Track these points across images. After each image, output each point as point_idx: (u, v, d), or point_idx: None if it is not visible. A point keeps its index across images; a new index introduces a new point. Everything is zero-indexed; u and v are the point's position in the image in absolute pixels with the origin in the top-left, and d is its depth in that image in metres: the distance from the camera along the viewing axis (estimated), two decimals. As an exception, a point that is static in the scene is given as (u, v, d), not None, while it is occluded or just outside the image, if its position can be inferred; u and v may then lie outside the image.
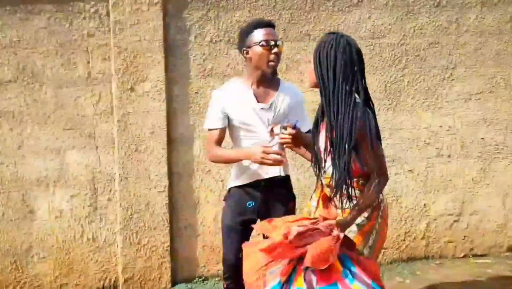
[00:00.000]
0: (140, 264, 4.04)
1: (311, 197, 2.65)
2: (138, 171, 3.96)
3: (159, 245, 4.05)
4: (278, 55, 2.70)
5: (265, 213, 2.80)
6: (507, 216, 4.47)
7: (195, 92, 4.05)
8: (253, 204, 2.86)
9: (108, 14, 3.85)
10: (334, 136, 2.28)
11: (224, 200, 3.01)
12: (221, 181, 4.14)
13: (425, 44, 4.25)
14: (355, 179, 2.35)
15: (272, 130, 2.70)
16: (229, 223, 2.92)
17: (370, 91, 2.47)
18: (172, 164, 4.07)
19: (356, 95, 2.32)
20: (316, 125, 2.48)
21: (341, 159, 2.26)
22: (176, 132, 4.06)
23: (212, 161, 3.06)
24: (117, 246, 4.04)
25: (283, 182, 2.91)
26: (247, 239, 2.87)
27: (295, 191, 3.01)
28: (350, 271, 2.27)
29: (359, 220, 2.41)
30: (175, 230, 4.13)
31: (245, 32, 2.74)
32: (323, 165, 2.41)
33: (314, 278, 2.25)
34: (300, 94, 2.93)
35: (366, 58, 4.08)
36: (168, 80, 3.96)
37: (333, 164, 2.30)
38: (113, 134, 3.95)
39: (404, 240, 4.42)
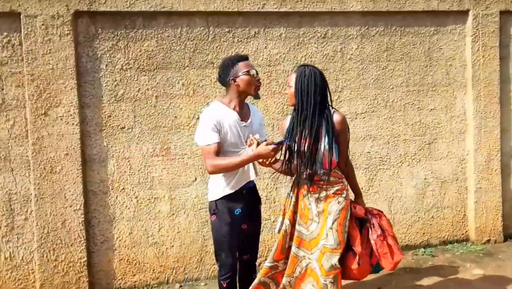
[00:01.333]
0: (58, 280, 4.02)
1: (289, 195, 3.19)
2: (54, 190, 3.99)
3: (76, 261, 4.06)
4: (259, 81, 3.20)
5: (248, 217, 3.22)
6: (393, 218, 4.85)
7: (108, 116, 4.15)
8: (240, 210, 3.18)
9: (21, 44, 3.91)
10: (320, 140, 3.02)
11: (213, 213, 3.20)
12: (136, 198, 4.24)
13: (315, 71, 4.61)
14: (333, 169, 3.09)
15: (250, 140, 3.11)
16: (224, 232, 3.17)
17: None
18: (88, 183, 4.12)
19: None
20: (295, 134, 3.07)
21: (330, 155, 3.01)
22: (90, 153, 4.12)
23: (213, 172, 3.11)
24: (35, 263, 4.01)
25: (254, 187, 3.33)
26: (240, 242, 3.21)
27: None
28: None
29: (340, 199, 3.10)
30: (92, 246, 4.17)
31: (231, 64, 3.14)
32: (308, 164, 3.03)
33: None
34: (261, 114, 3.46)
35: (264, 83, 4.45)
36: (81, 104, 4.05)
37: (317, 160, 3.02)
38: (28, 157, 3.97)
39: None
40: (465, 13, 4.92)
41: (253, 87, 3.15)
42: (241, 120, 3.17)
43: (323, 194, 3.09)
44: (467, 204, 5.07)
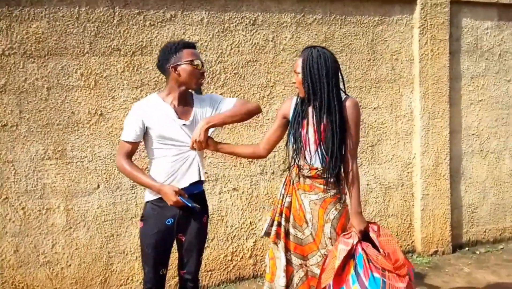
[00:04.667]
0: None
1: (281, 193, 2.50)
2: None
3: None
4: (204, 74, 2.49)
5: (182, 229, 2.47)
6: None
7: (-15, 111, 3.08)
8: (172, 221, 2.43)
9: None
10: (330, 130, 2.33)
11: (141, 219, 2.50)
12: (22, 209, 3.15)
13: (243, 62, 3.59)
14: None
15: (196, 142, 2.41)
16: (148, 243, 2.44)
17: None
18: (-40, 192, 3.03)
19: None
20: (298, 123, 2.41)
21: (335, 148, 2.33)
22: (-36, 155, 3.03)
23: (120, 171, 2.50)
24: None
25: (199, 194, 2.50)
26: (169, 255, 2.49)
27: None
28: (356, 272, 2.26)
29: (338, 206, 2.41)
30: (-33, 267, 3.08)
31: (173, 50, 2.40)
32: (308, 157, 2.37)
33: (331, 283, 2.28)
34: (208, 96, 2.61)
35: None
36: None
37: (327, 153, 2.34)
38: None
39: (231, 260, 3.66)
40: (412, 2, 3.95)
41: (195, 80, 2.42)
42: (180, 118, 2.40)
43: (320, 196, 2.39)
44: (413, 212, 4.13)
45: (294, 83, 2.44)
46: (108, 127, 3.28)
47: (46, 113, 3.16)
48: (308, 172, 2.40)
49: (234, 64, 3.54)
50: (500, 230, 4.42)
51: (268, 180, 3.68)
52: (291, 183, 2.48)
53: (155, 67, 3.29)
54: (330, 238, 2.37)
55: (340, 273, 2.28)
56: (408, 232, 4.12)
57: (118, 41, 3.26)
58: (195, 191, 2.46)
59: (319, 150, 2.36)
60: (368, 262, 2.27)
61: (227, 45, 3.51)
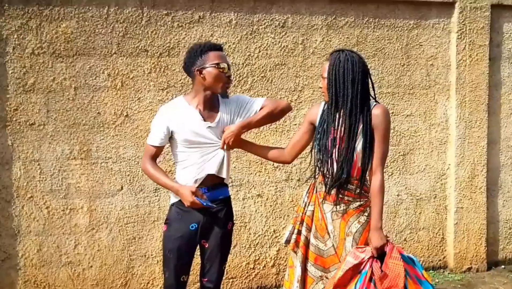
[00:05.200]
0: None
1: (304, 201, 2.38)
2: None
3: (-32, 282, 2.99)
4: (230, 78, 2.40)
5: (205, 235, 2.40)
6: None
7: (14, 109, 3.04)
8: (196, 226, 2.35)
9: None
10: (356, 140, 2.22)
11: (165, 222, 2.43)
12: (47, 208, 3.14)
13: (271, 65, 3.48)
14: (361, 178, 2.26)
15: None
16: (171, 248, 2.37)
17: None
18: (-14, 189, 3.04)
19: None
20: (323, 130, 2.29)
21: (364, 159, 2.22)
22: (-10, 153, 3.04)
23: (144, 173, 2.50)
24: None
25: (225, 202, 2.44)
26: (191, 261, 2.42)
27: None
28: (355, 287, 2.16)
29: (362, 219, 2.27)
30: (-10, 264, 3.08)
31: (199, 52, 2.33)
32: (332, 166, 2.26)
33: None
34: (235, 97, 2.52)
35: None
36: (-23, 94, 2.97)
37: (344, 162, 2.22)
38: None
39: (253, 268, 3.54)
40: (450, 5, 3.75)
41: (221, 84, 2.33)
42: (205, 120, 2.32)
43: (342, 207, 2.26)
44: (446, 226, 3.90)
45: (321, 88, 2.32)
46: (134, 128, 3.23)
47: (73, 113, 3.14)
48: (339, 183, 2.26)
49: (262, 67, 3.44)
50: (540, 248, 4.14)
51: (293, 187, 3.55)
52: (315, 191, 2.36)
53: (182, 69, 3.25)
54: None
55: (343, 286, 2.16)
56: (440, 246, 3.90)
57: (146, 42, 3.22)
58: (220, 196, 2.38)
59: (335, 158, 2.23)
60: (370, 280, 2.13)
61: (255, 48, 3.41)
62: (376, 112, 2.23)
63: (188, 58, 2.36)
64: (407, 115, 3.75)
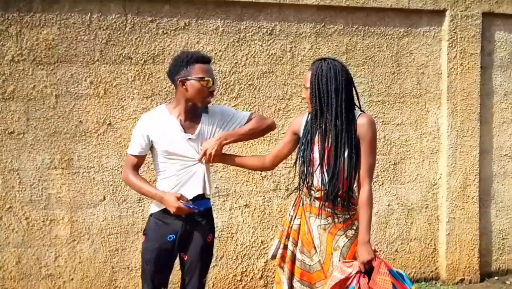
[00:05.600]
0: None
1: (290, 214, 2.30)
2: None
3: None
4: (213, 93, 2.32)
5: (184, 247, 2.31)
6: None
7: (-7, 117, 2.99)
8: (174, 237, 2.28)
9: None
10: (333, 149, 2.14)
11: (143, 232, 2.35)
12: (26, 219, 3.03)
13: (259, 73, 3.40)
14: (347, 191, 2.16)
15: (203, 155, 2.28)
16: (148, 259, 2.29)
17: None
18: (-36, 199, 2.94)
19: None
20: (307, 141, 2.21)
21: (350, 171, 2.14)
22: (-31, 162, 2.94)
23: (126, 184, 2.45)
24: None
25: (205, 214, 2.34)
26: (170, 273, 2.34)
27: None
28: None
29: (350, 233, 2.18)
30: (-33, 277, 2.97)
31: (185, 62, 2.25)
32: (316, 178, 2.18)
33: None
34: (218, 108, 2.45)
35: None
36: (-46, 102, 2.87)
37: (328, 174, 2.14)
38: None
39: (240, 280, 3.43)
40: (441, 13, 3.68)
41: (202, 98, 2.26)
42: (186, 132, 2.25)
43: (328, 221, 2.17)
44: (438, 236, 3.80)
45: (304, 98, 2.23)
46: (117, 137, 3.14)
47: (54, 121, 3.04)
48: (316, 193, 2.18)
49: (249, 75, 3.36)
50: (534, 259, 4.05)
51: (282, 197, 3.46)
52: (301, 204, 2.26)
53: (167, 76, 3.17)
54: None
55: None
56: (432, 257, 3.80)
57: (130, 49, 3.13)
58: (201, 208, 2.28)
59: (324, 171, 2.14)
60: None
61: (243, 55, 3.33)
62: (361, 121, 2.14)
63: (173, 66, 2.30)
64: (398, 124, 3.67)
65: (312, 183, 2.19)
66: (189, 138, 2.25)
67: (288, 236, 2.27)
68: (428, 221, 3.78)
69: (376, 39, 3.58)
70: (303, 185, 2.24)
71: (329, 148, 2.15)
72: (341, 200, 2.15)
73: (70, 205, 3.09)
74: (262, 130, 2.38)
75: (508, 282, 3.87)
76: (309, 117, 2.23)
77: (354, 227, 2.18)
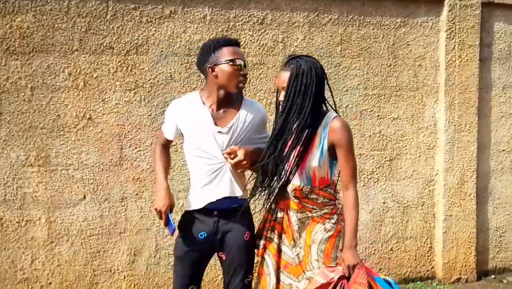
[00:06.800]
0: None
1: (271, 208, 2.19)
2: None
3: None
4: (246, 76, 2.15)
5: (221, 246, 2.19)
6: (344, 250, 3.44)
7: (-38, 111, 2.75)
8: (205, 234, 2.16)
9: None
10: (311, 151, 2.05)
11: (177, 227, 2.21)
12: (0, 220, 2.81)
13: (249, 65, 3.19)
14: (324, 188, 2.10)
15: (228, 154, 2.11)
16: (178, 255, 2.21)
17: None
18: None
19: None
20: (281, 139, 2.07)
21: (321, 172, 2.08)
22: None
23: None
24: None
25: (238, 209, 2.17)
26: (201, 272, 2.24)
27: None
28: None
29: (328, 225, 2.11)
30: None
31: (212, 48, 2.10)
32: (291, 177, 2.08)
33: None
34: (262, 112, 2.26)
35: (181, 76, 3.04)
36: None
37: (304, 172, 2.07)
38: None
39: (230, 282, 3.26)
40: (439, 2, 3.48)
41: (235, 83, 2.10)
42: (216, 124, 2.09)
43: (307, 215, 2.12)
44: (434, 234, 3.64)
45: (281, 101, 2.05)
46: (97, 132, 2.91)
47: (29, 115, 2.80)
48: (292, 192, 2.11)
49: (239, 67, 3.14)
50: (531, 257, 3.91)
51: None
52: (282, 198, 2.16)
53: (151, 67, 2.94)
54: (318, 260, 2.08)
55: None
56: (428, 256, 3.64)
57: (111, 39, 2.89)
58: (233, 206, 2.14)
59: (300, 169, 2.07)
60: None
61: (232, 46, 3.11)
62: (334, 126, 2.02)
63: (200, 55, 2.15)
64: (394, 118, 3.48)
65: (288, 181, 2.10)
66: (219, 132, 2.09)
67: (273, 229, 2.18)
68: (424, 218, 3.61)
69: (372, 30, 3.38)
70: (279, 182, 2.12)
71: (300, 148, 2.04)
72: (316, 196, 2.09)
73: (48, 204, 2.85)
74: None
75: (505, 281, 3.72)
76: (280, 116, 2.07)
77: (333, 221, 2.11)
